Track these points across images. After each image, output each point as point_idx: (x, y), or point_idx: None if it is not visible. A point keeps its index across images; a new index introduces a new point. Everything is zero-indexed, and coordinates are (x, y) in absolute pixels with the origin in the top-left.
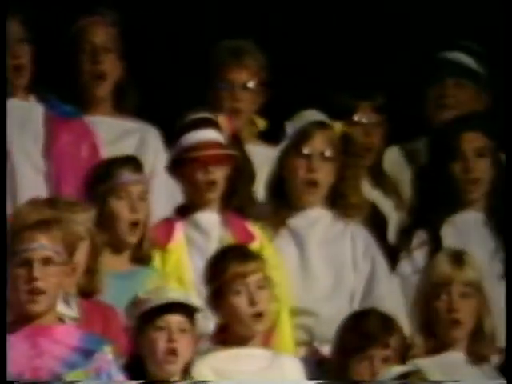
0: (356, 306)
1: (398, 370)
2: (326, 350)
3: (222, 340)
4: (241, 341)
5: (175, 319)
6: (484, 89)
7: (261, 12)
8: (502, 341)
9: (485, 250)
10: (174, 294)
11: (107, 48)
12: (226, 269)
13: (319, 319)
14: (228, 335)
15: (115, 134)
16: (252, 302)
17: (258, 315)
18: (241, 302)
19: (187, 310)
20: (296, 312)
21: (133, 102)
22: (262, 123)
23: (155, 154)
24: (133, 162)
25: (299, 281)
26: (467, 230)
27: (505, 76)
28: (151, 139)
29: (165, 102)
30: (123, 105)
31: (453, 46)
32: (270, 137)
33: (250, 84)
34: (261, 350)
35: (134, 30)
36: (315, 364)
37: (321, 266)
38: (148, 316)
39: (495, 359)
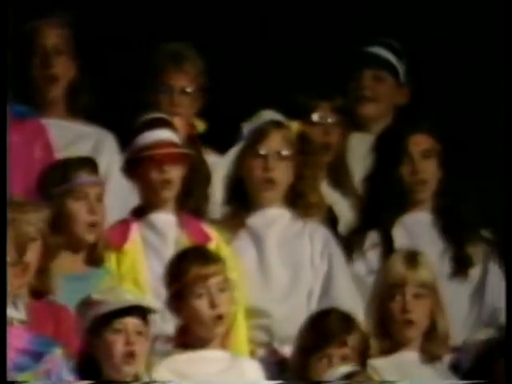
0: (314, 305)
1: (342, 370)
2: (285, 350)
3: (182, 342)
4: (201, 343)
5: (132, 322)
6: (404, 83)
7: (221, 13)
8: (454, 340)
9: (434, 250)
10: (131, 296)
11: (59, 50)
12: (187, 271)
13: (278, 319)
14: (188, 337)
15: (69, 137)
16: (213, 305)
17: (219, 317)
18: (202, 304)
19: (143, 312)
20: (255, 312)
21: (86, 103)
22: (201, 125)
23: (110, 158)
24: (89, 164)
25: (258, 281)
26: (417, 230)
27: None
28: (107, 144)
29: (115, 104)
30: (76, 107)
31: (371, 42)
32: (219, 141)
33: (189, 89)
34: (220, 353)
35: (87, 32)
36: (275, 364)
37: (279, 265)
38: (104, 318)
39: (447, 358)
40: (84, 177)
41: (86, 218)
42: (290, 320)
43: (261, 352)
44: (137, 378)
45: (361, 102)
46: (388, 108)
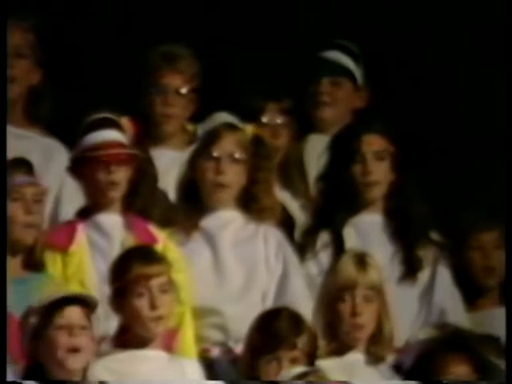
0: (269, 306)
1: (297, 370)
2: (239, 349)
3: (123, 341)
4: (141, 342)
5: (75, 314)
6: (362, 86)
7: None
8: (398, 342)
9: (384, 253)
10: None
11: (20, 53)
12: (129, 270)
13: (232, 319)
14: (129, 336)
15: (21, 147)
16: (153, 306)
17: (159, 318)
18: (142, 304)
19: (86, 306)
20: (209, 312)
21: (47, 110)
22: (194, 130)
23: (61, 167)
24: (24, 164)
25: (213, 281)
26: (368, 232)
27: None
28: (57, 154)
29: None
30: (36, 113)
31: (328, 45)
32: None
33: (183, 90)
34: (159, 352)
35: (56, 36)
36: (228, 363)
37: (233, 266)
38: (47, 317)
39: (391, 359)
40: (19, 177)
41: (23, 218)
42: (244, 319)
43: (215, 351)
44: (84, 376)
45: (319, 107)
46: (346, 112)
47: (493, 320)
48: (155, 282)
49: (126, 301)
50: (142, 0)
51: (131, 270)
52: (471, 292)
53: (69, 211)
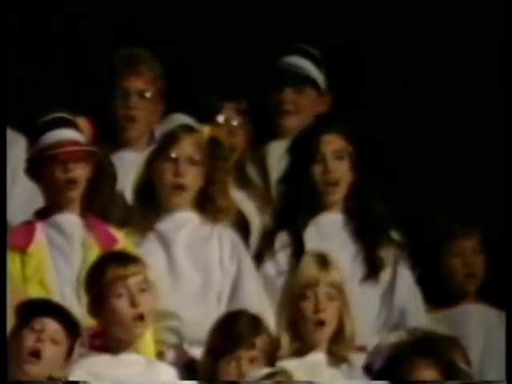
0: (223, 307)
1: (264, 371)
2: (194, 351)
3: (98, 346)
4: (120, 346)
5: (50, 325)
6: (324, 91)
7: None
8: (364, 341)
9: (346, 253)
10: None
11: None
12: (105, 272)
13: (187, 321)
14: (106, 340)
15: None
16: (133, 304)
17: (139, 317)
18: (122, 304)
19: (66, 324)
20: (164, 314)
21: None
22: None
23: (17, 160)
24: None
25: (167, 283)
26: (329, 232)
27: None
28: (15, 146)
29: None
30: None
31: (290, 50)
32: None
33: (148, 94)
34: (136, 356)
35: (19, 37)
36: (183, 366)
37: (188, 268)
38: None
39: (357, 360)
40: None
41: None
42: (199, 322)
43: (170, 353)
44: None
45: (283, 115)
46: (309, 117)
47: (467, 316)
48: (132, 281)
49: (105, 304)
50: (104, 3)
51: (107, 273)
52: (449, 296)
53: (18, 204)
